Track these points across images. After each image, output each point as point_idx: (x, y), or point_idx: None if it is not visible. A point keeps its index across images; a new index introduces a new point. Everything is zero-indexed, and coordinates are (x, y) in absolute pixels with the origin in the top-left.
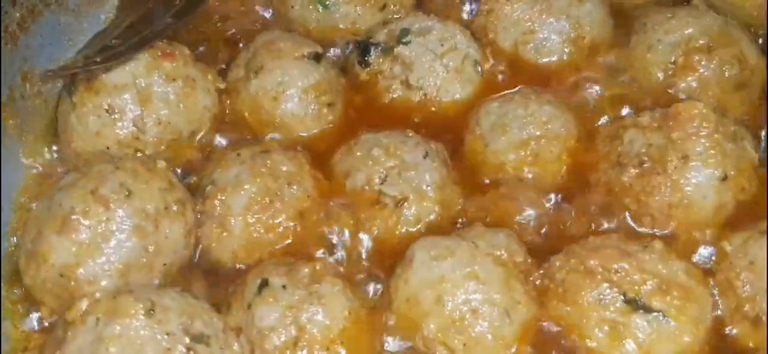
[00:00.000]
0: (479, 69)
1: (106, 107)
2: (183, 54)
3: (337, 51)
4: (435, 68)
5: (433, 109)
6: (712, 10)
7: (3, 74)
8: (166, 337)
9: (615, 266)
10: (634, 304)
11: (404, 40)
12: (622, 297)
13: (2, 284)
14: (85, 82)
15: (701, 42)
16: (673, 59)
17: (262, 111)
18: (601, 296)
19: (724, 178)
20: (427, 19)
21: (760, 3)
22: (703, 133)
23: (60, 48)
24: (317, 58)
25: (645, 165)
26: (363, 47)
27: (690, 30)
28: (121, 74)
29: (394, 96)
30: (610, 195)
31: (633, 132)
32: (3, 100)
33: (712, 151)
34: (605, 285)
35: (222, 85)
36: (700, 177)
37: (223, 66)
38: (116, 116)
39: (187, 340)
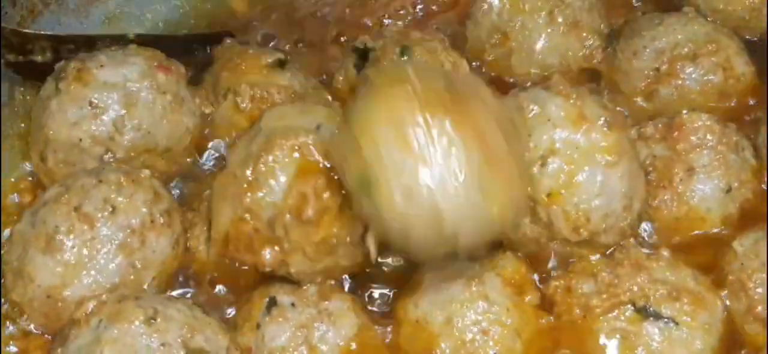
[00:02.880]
0: None
1: (90, 100)
2: (179, 72)
3: None
4: None
5: None
6: (701, 17)
7: (3, 75)
8: (161, 347)
9: (623, 275)
10: (645, 313)
11: (405, 56)
12: (632, 306)
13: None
14: (75, 73)
15: (686, 49)
16: (657, 66)
17: None
18: (611, 306)
19: (728, 190)
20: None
21: (751, 6)
22: (708, 145)
23: None
24: (281, 64)
25: (650, 176)
26: (361, 52)
27: (677, 37)
28: (113, 73)
29: None
30: None
31: (636, 143)
32: (3, 100)
33: (716, 163)
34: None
35: (207, 110)
36: (706, 189)
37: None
38: (97, 111)
39: (183, 353)
